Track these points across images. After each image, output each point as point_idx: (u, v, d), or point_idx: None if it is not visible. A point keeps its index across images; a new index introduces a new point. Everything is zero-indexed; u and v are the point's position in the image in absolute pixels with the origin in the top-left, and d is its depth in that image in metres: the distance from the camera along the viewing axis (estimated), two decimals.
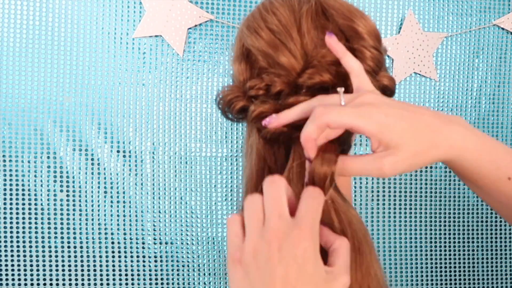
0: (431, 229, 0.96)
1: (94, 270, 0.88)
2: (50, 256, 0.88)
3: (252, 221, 0.34)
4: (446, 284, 0.96)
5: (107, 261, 0.89)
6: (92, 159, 0.89)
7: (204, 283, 0.91)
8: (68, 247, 0.88)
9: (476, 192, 0.42)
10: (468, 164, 0.37)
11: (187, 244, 0.91)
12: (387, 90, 0.41)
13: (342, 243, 0.35)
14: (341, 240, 0.36)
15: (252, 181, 0.43)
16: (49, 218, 0.88)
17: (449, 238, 0.97)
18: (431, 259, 0.96)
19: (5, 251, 0.86)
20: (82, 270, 0.88)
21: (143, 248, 0.90)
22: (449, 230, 0.97)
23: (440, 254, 0.96)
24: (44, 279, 0.87)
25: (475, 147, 0.36)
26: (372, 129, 0.34)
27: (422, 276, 0.96)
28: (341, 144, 0.38)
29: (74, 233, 0.88)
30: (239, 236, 0.34)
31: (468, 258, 0.97)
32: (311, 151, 0.36)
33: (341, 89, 0.36)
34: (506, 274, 0.98)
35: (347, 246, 0.35)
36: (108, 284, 0.89)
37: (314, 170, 0.36)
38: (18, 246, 0.87)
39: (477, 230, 0.98)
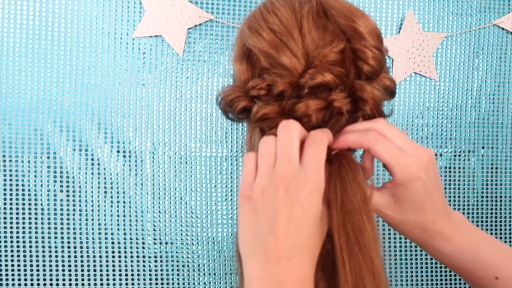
0: None
1: (94, 270, 0.88)
2: (50, 256, 0.88)
3: (264, 162, 0.36)
4: (446, 284, 0.96)
5: (107, 261, 0.89)
6: (92, 159, 0.89)
7: (204, 283, 0.91)
8: (68, 247, 0.88)
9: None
10: (450, 257, 0.40)
11: (187, 244, 0.91)
12: (389, 91, 0.41)
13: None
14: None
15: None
16: (49, 218, 0.88)
17: None
18: (431, 259, 0.96)
19: (5, 251, 0.86)
20: (82, 270, 0.88)
21: (143, 248, 0.90)
22: None
23: None
24: (44, 279, 0.87)
25: (459, 243, 0.39)
26: (399, 176, 0.38)
27: (422, 276, 0.96)
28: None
29: (74, 233, 0.88)
30: (251, 174, 0.36)
31: None
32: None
33: (405, 131, 0.40)
34: None
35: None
36: (108, 284, 0.89)
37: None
38: (18, 246, 0.87)
39: None
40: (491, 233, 0.98)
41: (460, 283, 0.97)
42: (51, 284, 0.88)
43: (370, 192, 0.38)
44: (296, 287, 0.34)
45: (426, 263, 0.96)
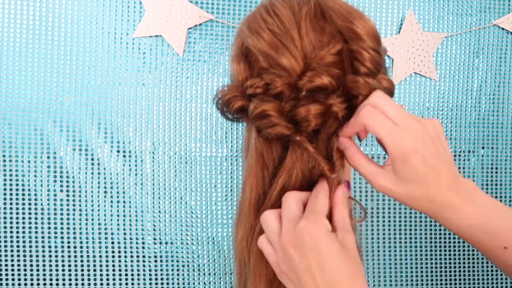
0: (431, 229, 0.96)
1: (94, 270, 0.88)
2: (50, 256, 0.88)
3: (272, 235, 0.39)
4: (446, 284, 0.96)
5: (107, 261, 0.89)
6: (92, 159, 0.89)
7: (204, 283, 0.91)
8: (68, 247, 0.88)
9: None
10: (460, 227, 0.39)
11: (187, 244, 0.91)
12: (386, 92, 0.41)
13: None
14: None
15: (251, 179, 0.43)
16: (49, 218, 0.88)
17: (449, 238, 0.97)
18: (431, 259, 0.96)
19: (5, 251, 0.86)
20: (82, 270, 0.88)
21: (143, 248, 0.90)
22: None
23: (440, 254, 0.96)
24: (44, 279, 0.87)
25: (469, 214, 0.39)
26: (394, 152, 0.37)
27: (422, 276, 0.96)
28: None
29: (74, 233, 0.88)
30: (272, 254, 0.39)
31: (468, 258, 0.97)
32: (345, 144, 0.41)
33: (403, 105, 0.40)
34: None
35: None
36: (108, 284, 0.89)
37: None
38: (18, 246, 0.87)
39: None
40: None
41: (460, 283, 0.97)
42: (51, 284, 0.88)
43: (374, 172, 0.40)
44: None
45: (426, 263, 0.96)
